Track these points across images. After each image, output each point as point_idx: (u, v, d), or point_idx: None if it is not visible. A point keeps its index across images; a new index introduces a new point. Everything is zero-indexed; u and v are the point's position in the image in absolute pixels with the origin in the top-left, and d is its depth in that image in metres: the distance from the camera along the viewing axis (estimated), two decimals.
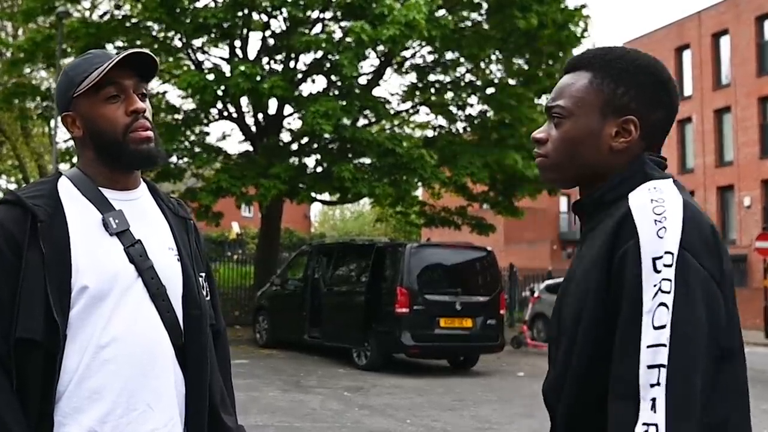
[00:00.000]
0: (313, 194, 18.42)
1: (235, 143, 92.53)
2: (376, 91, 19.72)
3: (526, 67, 19.55)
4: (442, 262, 13.51)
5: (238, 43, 18.69)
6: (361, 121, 18.69)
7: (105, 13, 18.53)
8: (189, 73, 16.80)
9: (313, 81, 19.21)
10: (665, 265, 1.28)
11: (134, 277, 1.72)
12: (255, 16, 18.08)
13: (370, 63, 18.98)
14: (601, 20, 61.42)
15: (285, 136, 19.62)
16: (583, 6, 18.81)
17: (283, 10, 16.60)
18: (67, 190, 1.76)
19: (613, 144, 1.47)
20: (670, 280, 1.27)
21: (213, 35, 18.03)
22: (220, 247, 31.55)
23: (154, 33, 18.21)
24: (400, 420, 8.49)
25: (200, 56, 19.27)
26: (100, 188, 1.79)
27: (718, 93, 31.38)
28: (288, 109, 18.73)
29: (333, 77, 17.85)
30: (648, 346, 1.26)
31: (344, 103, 16.24)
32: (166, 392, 1.74)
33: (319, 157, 18.53)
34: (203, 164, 17.78)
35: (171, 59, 18.66)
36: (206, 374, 1.81)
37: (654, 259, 1.29)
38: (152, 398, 1.71)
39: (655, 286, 1.28)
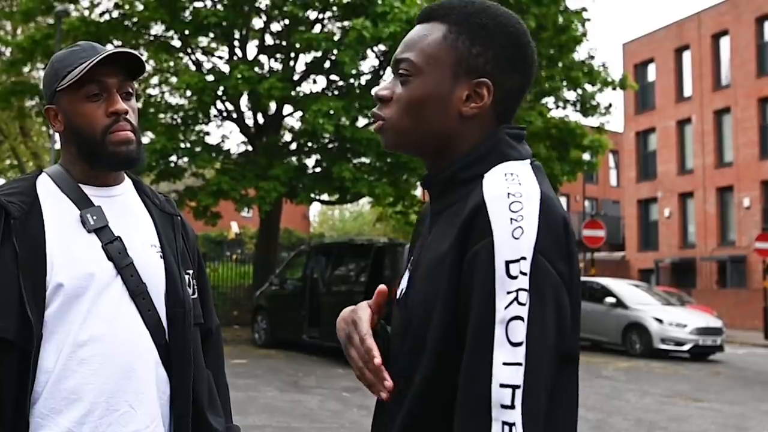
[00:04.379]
0: (312, 195, 18.41)
1: (234, 143, 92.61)
2: None
3: None
4: None
5: (237, 42, 18.68)
6: (361, 121, 18.68)
7: (104, 12, 18.52)
8: (188, 73, 16.79)
9: (315, 81, 19.20)
10: (521, 273, 1.14)
11: (113, 275, 1.68)
12: (255, 15, 18.07)
13: (369, 63, 18.99)
14: (601, 20, 61.45)
15: (285, 136, 19.61)
16: (584, 9, 18.80)
17: (283, 9, 16.58)
18: (45, 187, 1.73)
19: (463, 109, 1.30)
20: (526, 291, 1.14)
21: (212, 35, 18.02)
22: (218, 247, 31.54)
23: (153, 32, 18.20)
24: None
25: (200, 56, 19.27)
26: (80, 185, 1.75)
27: (717, 94, 31.37)
28: (287, 108, 18.73)
29: (333, 76, 17.83)
30: (504, 363, 1.13)
31: (344, 102, 16.23)
32: (148, 393, 1.70)
33: (318, 157, 18.53)
34: (203, 164, 17.76)
35: (171, 60, 18.63)
36: (190, 374, 1.76)
37: (508, 263, 1.15)
38: (134, 399, 1.67)
39: (509, 293, 1.14)
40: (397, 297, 1.39)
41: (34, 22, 19.57)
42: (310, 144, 18.35)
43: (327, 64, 17.72)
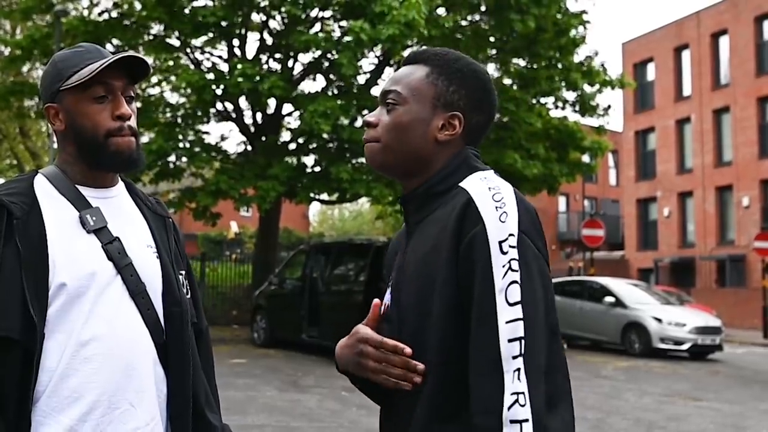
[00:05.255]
0: (311, 194, 18.41)
1: (233, 142, 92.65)
2: (375, 91, 19.68)
3: (524, 69, 19.52)
4: None
5: (236, 42, 18.67)
6: (359, 121, 18.67)
7: (103, 12, 18.51)
8: (188, 72, 16.78)
9: (314, 79, 19.18)
10: (510, 246, 1.39)
11: (113, 275, 1.70)
12: (254, 15, 18.05)
13: (369, 62, 18.97)
14: (600, 20, 61.45)
15: (283, 135, 19.60)
16: (584, 12, 18.79)
17: (282, 8, 16.58)
18: (43, 188, 1.75)
19: (439, 135, 1.57)
20: (517, 260, 1.38)
21: (212, 34, 18.01)
22: (218, 246, 31.54)
23: (152, 32, 18.18)
24: None
25: (199, 55, 19.26)
26: (77, 186, 1.77)
27: (716, 93, 31.36)
28: (287, 108, 18.72)
29: (332, 76, 17.82)
30: (506, 322, 1.35)
31: (342, 102, 16.22)
32: (148, 391, 1.72)
33: (317, 156, 18.52)
34: (202, 164, 17.75)
35: (169, 58, 18.62)
36: (189, 372, 1.79)
37: (500, 242, 1.39)
38: (134, 397, 1.69)
39: (503, 266, 1.38)
40: (382, 313, 1.58)
41: (33, 21, 19.54)
42: (308, 144, 18.35)
43: (326, 64, 17.71)
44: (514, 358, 1.34)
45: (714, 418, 9.32)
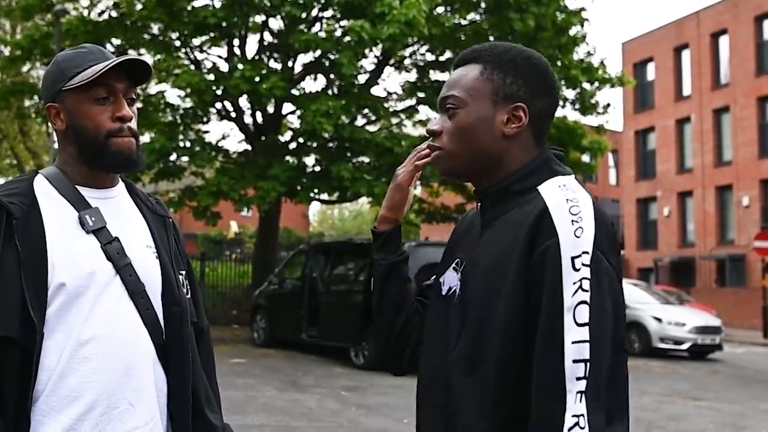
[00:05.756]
0: (311, 194, 18.40)
1: (234, 142, 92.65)
2: (375, 90, 19.70)
3: None
4: (440, 261, 13.47)
5: (236, 42, 18.66)
6: (360, 121, 18.67)
7: (103, 11, 18.50)
8: (188, 72, 16.77)
9: (315, 78, 19.17)
10: (584, 264, 1.38)
11: (112, 275, 1.71)
12: (254, 15, 18.04)
13: (369, 62, 18.96)
14: (600, 20, 61.46)
15: (285, 135, 19.59)
16: (582, 9, 18.79)
17: (282, 9, 16.57)
18: (43, 188, 1.76)
19: (506, 130, 1.56)
20: (588, 279, 1.38)
21: (212, 35, 18.00)
22: (218, 246, 31.54)
23: (152, 32, 18.17)
24: (397, 419, 8.47)
25: (199, 55, 19.26)
26: (76, 186, 1.78)
27: (716, 93, 31.37)
28: (287, 108, 18.71)
29: (332, 76, 17.81)
30: (573, 342, 1.35)
31: (343, 102, 16.22)
32: (147, 390, 1.73)
33: (318, 156, 18.51)
34: (203, 163, 17.75)
35: (169, 58, 18.61)
36: (189, 372, 1.80)
37: (573, 258, 1.39)
38: (133, 396, 1.70)
39: (574, 284, 1.37)
40: (443, 293, 1.61)
41: (33, 21, 19.54)
42: (309, 143, 18.34)
43: (326, 64, 17.70)
44: (578, 379, 1.35)
45: (714, 418, 9.32)
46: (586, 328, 1.36)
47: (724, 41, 31.47)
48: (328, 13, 17.70)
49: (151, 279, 1.77)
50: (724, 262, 30.51)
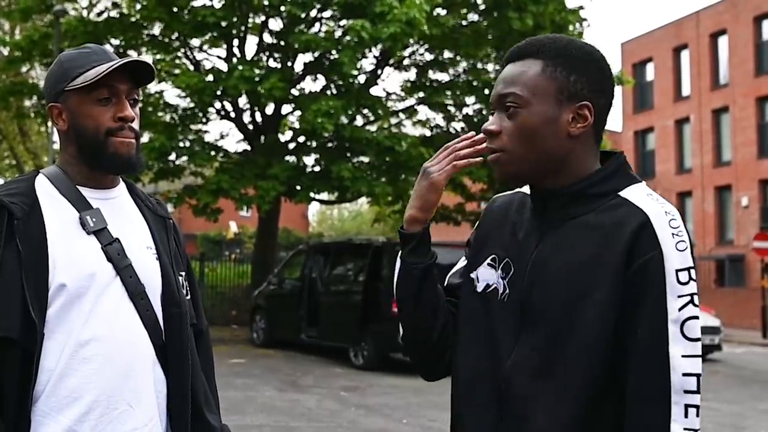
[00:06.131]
0: (311, 194, 18.40)
1: (233, 142, 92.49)
2: (374, 90, 19.70)
3: None
4: (439, 261, 13.42)
5: (236, 42, 18.66)
6: (360, 120, 18.67)
7: (102, 12, 18.50)
8: (187, 74, 16.77)
9: (315, 78, 19.17)
10: (692, 279, 1.39)
11: (112, 276, 1.71)
12: (254, 15, 18.04)
13: (369, 62, 18.98)
14: (599, 20, 61.45)
15: (284, 135, 19.59)
16: (581, 7, 18.80)
17: (282, 8, 16.57)
18: (44, 188, 1.76)
19: (571, 130, 1.49)
20: (698, 294, 1.39)
21: (211, 34, 18.00)
22: (217, 246, 31.53)
23: (152, 32, 18.17)
24: (397, 420, 8.47)
25: (198, 55, 19.26)
26: (78, 186, 1.78)
27: (716, 93, 31.37)
28: (286, 108, 18.70)
29: (332, 75, 17.81)
30: (683, 356, 1.36)
31: (343, 101, 16.23)
32: (146, 392, 1.73)
33: (317, 156, 18.51)
34: (202, 162, 17.74)
35: (168, 58, 18.62)
36: (188, 373, 1.80)
37: (677, 271, 1.38)
38: (132, 398, 1.70)
39: (680, 297, 1.37)
40: (479, 290, 1.57)
41: (32, 21, 19.54)
42: (308, 143, 18.35)
43: (326, 63, 17.70)
44: (690, 393, 1.35)
45: (713, 418, 9.32)
46: (699, 343, 1.37)
47: (723, 41, 31.47)
48: (328, 13, 17.71)
49: (151, 280, 1.77)
50: (723, 263, 30.52)
